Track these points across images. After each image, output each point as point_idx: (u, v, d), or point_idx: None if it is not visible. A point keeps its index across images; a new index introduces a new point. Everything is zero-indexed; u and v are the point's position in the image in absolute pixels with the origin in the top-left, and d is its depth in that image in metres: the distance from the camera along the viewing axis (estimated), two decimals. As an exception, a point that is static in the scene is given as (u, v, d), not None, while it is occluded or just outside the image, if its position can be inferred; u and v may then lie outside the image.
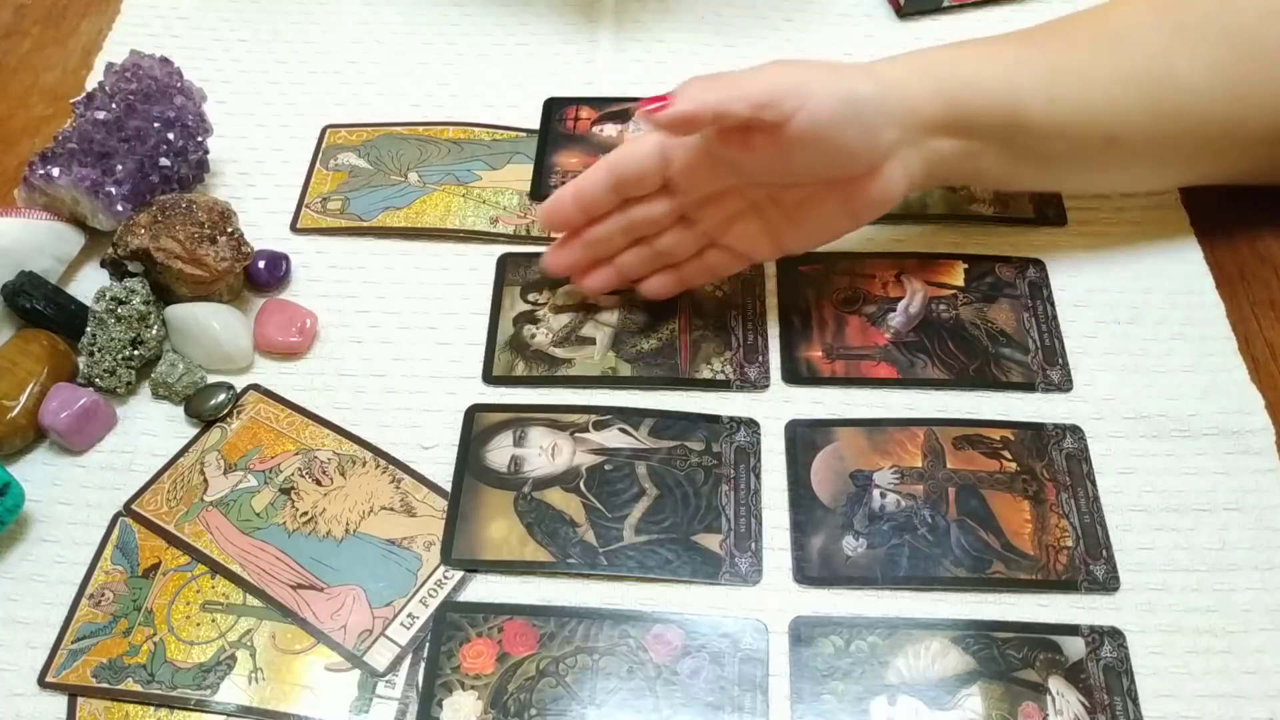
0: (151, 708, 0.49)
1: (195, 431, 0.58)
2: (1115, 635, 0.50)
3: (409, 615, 0.51)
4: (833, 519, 0.54)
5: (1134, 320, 0.61)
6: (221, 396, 0.58)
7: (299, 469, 0.56)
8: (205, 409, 0.58)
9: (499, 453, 0.56)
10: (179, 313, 0.59)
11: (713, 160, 0.54)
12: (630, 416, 0.58)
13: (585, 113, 0.71)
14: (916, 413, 0.58)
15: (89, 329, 0.58)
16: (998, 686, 0.49)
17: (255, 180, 0.69)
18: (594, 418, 0.58)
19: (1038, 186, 0.64)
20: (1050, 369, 0.59)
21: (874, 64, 0.55)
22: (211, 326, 0.59)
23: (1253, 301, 0.62)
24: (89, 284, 0.63)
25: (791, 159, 0.53)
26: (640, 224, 0.57)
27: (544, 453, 0.56)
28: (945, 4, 0.76)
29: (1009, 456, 0.56)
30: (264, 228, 0.66)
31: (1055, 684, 0.49)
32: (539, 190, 0.67)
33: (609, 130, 0.70)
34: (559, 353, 0.60)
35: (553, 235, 0.62)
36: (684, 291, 0.61)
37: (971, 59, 0.56)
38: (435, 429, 0.58)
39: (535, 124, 0.71)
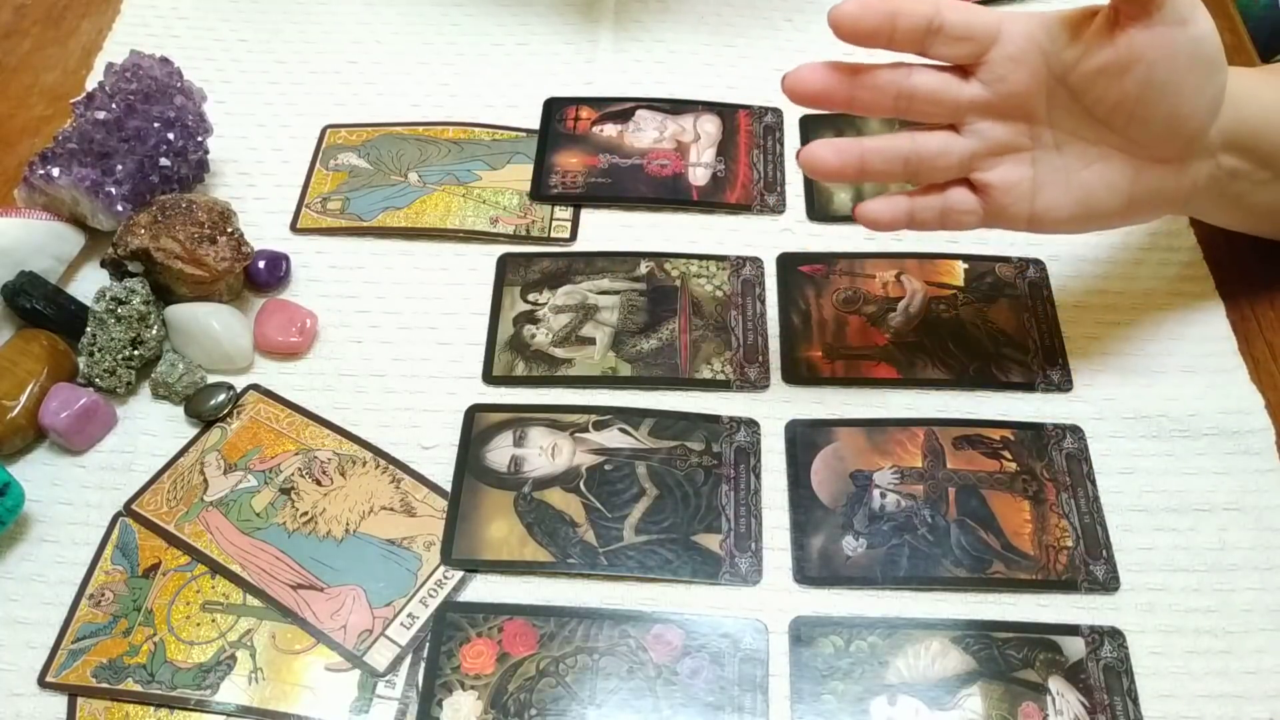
0: (151, 708, 0.49)
1: (195, 431, 0.58)
2: (1115, 635, 0.50)
3: (409, 615, 0.51)
4: (833, 519, 0.54)
5: (1134, 320, 0.61)
6: (221, 396, 0.58)
7: (299, 469, 0.56)
8: (205, 409, 0.58)
9: (499, 453, 0.56)
10: (179, 313, 0.59)
11: (1045, 58, 0.50)
12: (630, 416, 0.57)
13: (585, 113, 0.71)
14: (916, 413, 0.58)
15: (89, 329, 0.58)
16: (998, 686, 0.49)
17: (255, 180, 0.69)
18: (594, 418, 0.58)
19: None
20: (1050, 369, 0.59)
21: None
22: (211, 326, 0.59)
23: (1253, 301, 0.61)
24: (89, 284, 0.63)
25: (1138, 78, 0.49)
26: (922, 95, 0.51)
27: (544, 453, 0.56)
28: (945, 4, 0.76)
29: (1009, 456, 0.56)
30: (264, 228, 0.66)
31: (1055, 684, 0.49)
32: (539, 190, 0.67)
33: (608, 131, 0.70)
34: (559, 353, 0.60)
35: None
36: (686, 293, 0.61)
37: (1252, 78, 0.54)
38: (435, 429, 0.58)
39: (535, 124, 0.71)
